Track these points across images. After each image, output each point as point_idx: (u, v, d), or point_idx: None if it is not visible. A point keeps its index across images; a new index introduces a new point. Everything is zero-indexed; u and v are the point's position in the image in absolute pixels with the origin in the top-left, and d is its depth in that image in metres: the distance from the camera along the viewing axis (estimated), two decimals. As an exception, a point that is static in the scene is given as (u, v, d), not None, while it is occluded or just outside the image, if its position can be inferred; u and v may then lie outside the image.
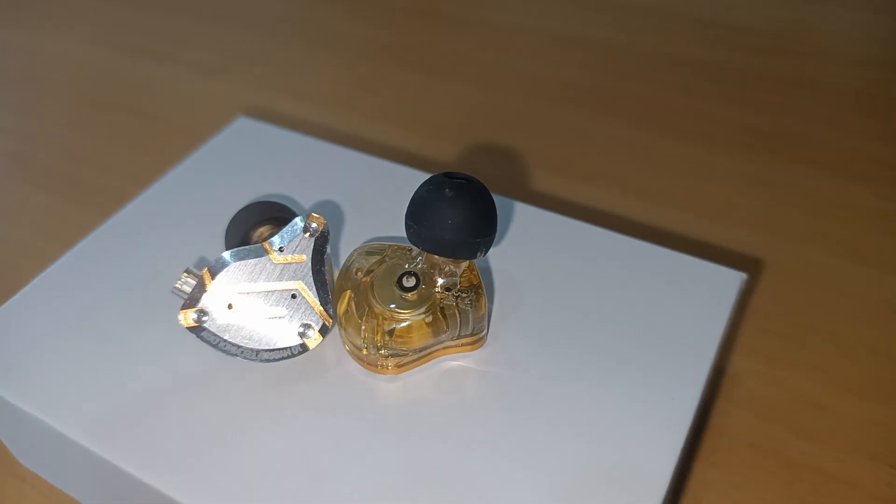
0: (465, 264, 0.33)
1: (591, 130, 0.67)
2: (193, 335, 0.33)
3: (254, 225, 0.37)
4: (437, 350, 0.35)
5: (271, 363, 0.35)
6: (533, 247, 0.40)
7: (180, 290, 0.33)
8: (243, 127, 0.50)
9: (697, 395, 0.33)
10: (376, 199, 0.43)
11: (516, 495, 0.30)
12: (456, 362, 0.35)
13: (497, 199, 0.44)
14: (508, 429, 0.32)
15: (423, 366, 0.35)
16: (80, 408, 0.34)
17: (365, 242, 0.40)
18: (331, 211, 0.43)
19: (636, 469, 0.30)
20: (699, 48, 0.77)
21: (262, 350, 0.33)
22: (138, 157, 0.67)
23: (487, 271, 0.39)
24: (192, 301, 0.32)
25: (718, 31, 0.79)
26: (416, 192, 0.33)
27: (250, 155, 0.48)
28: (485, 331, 0.35)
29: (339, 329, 0.35)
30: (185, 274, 0.33)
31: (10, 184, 0.65)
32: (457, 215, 0.31)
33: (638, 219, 0.57)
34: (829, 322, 0.49)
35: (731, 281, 0.38)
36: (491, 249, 0.40)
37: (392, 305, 0.33)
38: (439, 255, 0.32)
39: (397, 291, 0.33)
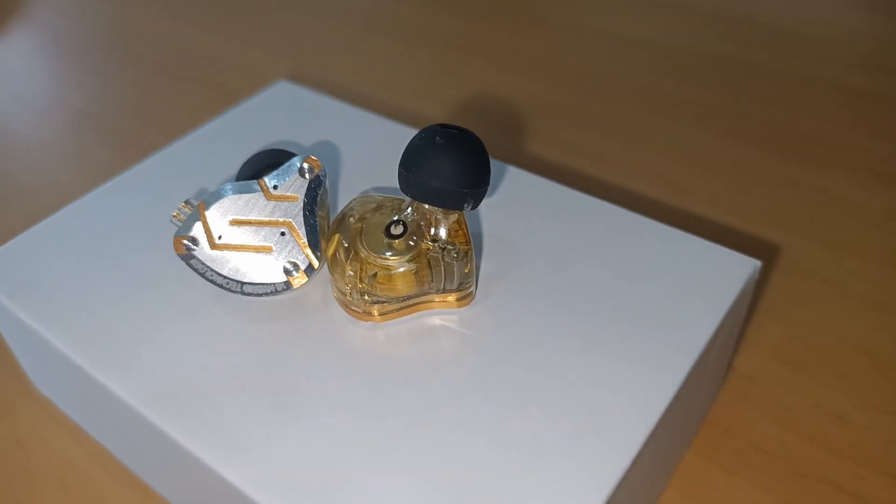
0: (454, 217, 0.33)
1: (641, 128, 0.65)
2: (185, 263, 0.34)
3: (262, 170, 0.37)
4: (422, 302, 0.34)
5: (260, 298, 0.35)
6: (538, 216, 0.40)
7: (177, 219, 0.34)
8: (283, 90, 0.51)
9: (683, 372, 0.32)
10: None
11: (475, 451, 0.29)
12: (440, 317, 0.35)
13: (511, 169, 0.43)
14: (479, 385, 0.31)
15: (406, 317, 0.35)
16: (82, 329, 0.35)
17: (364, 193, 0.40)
18: (352, 172, 0.43)
19: (605, 439, 0.29)
20: (763, 54, 0.74)
21: (247, 283, 0.33)
22: (197, 121, 0.69)
23: (481, 235, 0.38)
24: (184, 229, 0.33)
25: (786, 40, 0.76)
26: (410, 141, 0.33)
27: (284, 116, 0.49)
28: (472, 287, 0.35)
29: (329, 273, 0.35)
30: (183, 204, 0.34)
31: (75, 136, 0.69)
32: (445, 164, 0.31)
33: (667, 206, 0.56)
34: (865, 335, 0.46)
35: (742, 267, 0.36)
36: (496, 213, 0.40)
37: (378, 251, 0.33)
38: (426, 203, 0.32)
39: (385, 238, 0.33)
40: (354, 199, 0.36)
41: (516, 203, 0.41)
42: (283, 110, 0.49)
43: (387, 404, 0.31)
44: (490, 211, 0.40)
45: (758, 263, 0.37)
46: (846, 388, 0.43)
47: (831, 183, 0.58)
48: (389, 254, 0.33)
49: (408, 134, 0.46)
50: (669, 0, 0.84)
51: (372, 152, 0.45)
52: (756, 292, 0.49)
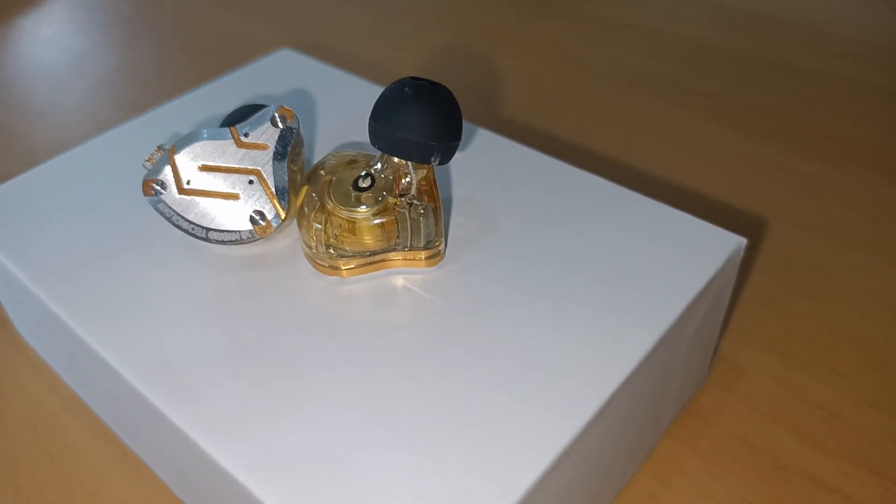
0: (422, 172, 0.32)
1: (656, 119, 0.64)
2: (153, 207, 0.33)
3: (238, 121, 0.37)
4: (389, 259, 0.34)
5: (228, 249, 0.35)
6: (518, 183, 0.39)
7: (149, 163, 0.34)
8: (284, 57, 0.51)
9: (647, 346, 0.30)
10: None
11: (424, 409, 0.28)
12: (406, 275, 0.34)
13: (496, 137, 0.42)
14: (438, 344, 0.31)
15: (373, 273, 0.34)
16: (55, 274, 0.35)
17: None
18: (346, 138, 0.43)
19: (556, 406, 0.28)
20: (786, 50, 0.72)
21: (212, 230, 0.33)
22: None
23: (455, 199, 0.38)
24: (154, 172, 0.33)
25: (812, 38, 0.74)
26: (381, 93, 0.32)
27: (283, 81, 0.48)
28: (440, 247, 0.34)
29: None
30: (156, 149, 0.34)
31: (92, 103, 0.70)
32: (412, 115, 0.30)
33: (664, 186, 0.54)
34: (864, 331, 0.44)
35: (725, 243, 0.35)
36: (476, 180, 0.39)
37: (345, 204, 0.32)
38: (394, 155, 0.32)
39: (352, 191, 0.33)
40: (329, 154, 0.35)
41: (498, 171, 0.40)
42: (282, 75, 0.49)
43: (345, 358, 0.30)
44: (469, 177, 0.39)
45: (743, 241, 0.35)
46: (839, 384, 0.42)
47: (841, 176, 0.56)
48: (357, 207, 0.32)
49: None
50: (697, -4, 0.82)
51: (366, 118, 0.44)
52: (751, 280, 0.48)
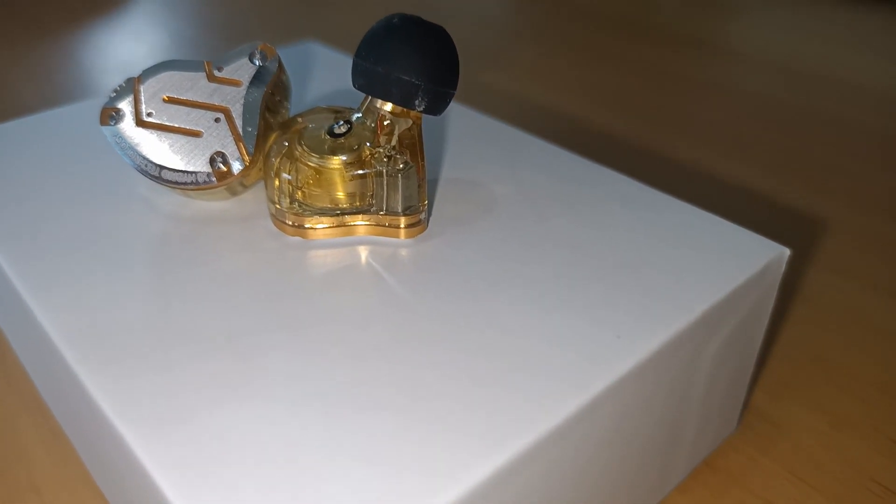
0: (406, 123, 0.28)
1: (717, 167, 0.58)
2: (107, 137, 0.30)
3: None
4: (360, 222, 0.29)
5: (186, 196, 0.31)
6: (528, 172, 0.34)
7: (114, 94, 0.30)
8: (308, 49, 0.49)
9: (652, 345, 0.25)
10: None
11: (365, 399, 0.23)
12: (379, 245, 0.29)
13: (521, 135, 0.38)
14: (399, 325, 0.26)
15: (342, 238, 0.29)
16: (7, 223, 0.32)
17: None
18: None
19: (525, 404, 0.23)
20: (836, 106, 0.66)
21: (166, 168, 0.29)
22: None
23: (457, 181, 0.33)
24: (114, 100, 0.30)
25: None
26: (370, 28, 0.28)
27: (304, 70, 0.45)
28: (422, 214, 0.29)
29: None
30: (125, 81, 0.31)
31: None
32: (398, 48, 0.26)
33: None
34: (935, 398, 0.37)
35: (764, 251, 0.29)
36: (476, 165, 0.35)
37: (316, 151, 0.28)
38: (374, 94, 0.27)
39: (327, 138, 0.29)
40: (315, 107, 0.31)
41: (511, 161, 0.35)
42: (303, 66, 0.46)
43: (292, 337, 0.25)
44: (474, 162, 0.35)
45: (786, 251, 0.30)
46: (899, 456, 0.34)
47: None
48: (329, 155, 0.28)
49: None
50: (776, 62, 0.78)
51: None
52: (792, 328, 0.41)
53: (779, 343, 0.41)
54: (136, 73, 0.36)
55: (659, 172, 0.57)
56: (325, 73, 0.45)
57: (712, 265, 0.28)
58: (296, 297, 0.26)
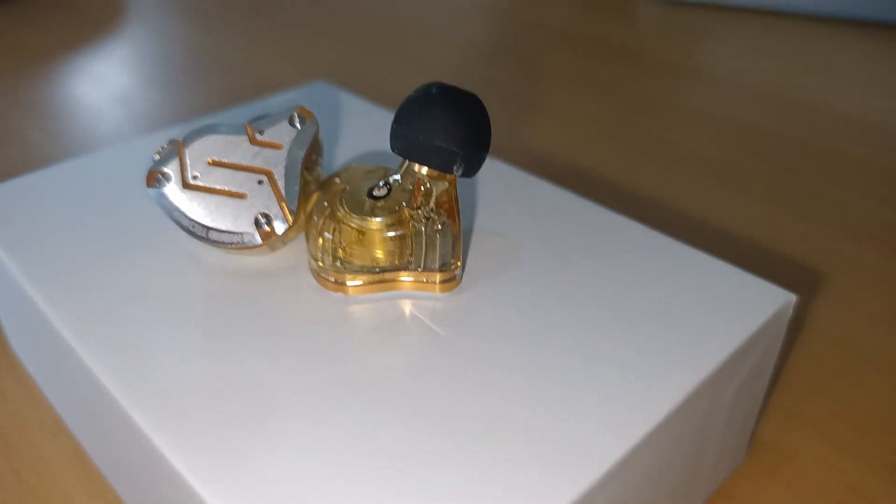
0: (443, 185, 0.30)
1: (702, 194, 0.61)
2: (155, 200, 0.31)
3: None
4: (400, 280, 0.31)
5: (230, 253, 0.32)
6: (551, 221, 0.36)
7: (158, 156, 0.32)
8: (319, 89, 0.50)
9: (683, 392, 0.27)
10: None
11: (420, 444, 0.25)
12: (417, 298, 0.31)
13: (528, 177, 0.40)
14: (442, 376, 0.27)
15: (381, 293, 0.31)
16: (52, 276, 0.33)
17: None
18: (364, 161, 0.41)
19: (570, 458, 0.24)
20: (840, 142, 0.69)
21: (213, 229, 0.31)
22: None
23: (483, 230, 0.35)
24: (160, 163, 0.31)
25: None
26: (408, 96, 0.30)
27: (315, 111, 0.47)
28: (457, 270, 0.31)
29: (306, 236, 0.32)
30: (167, 142, 0.32)
31: (127, 134, 0.70)
32: (437, 117, 0.28)
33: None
34: (927, 424, 0.40)
35: (774, 298, 0.31)
36: (499, 214, 0.36)
37: (357, 212, 0.30)
38: (413, 160, 0.29)
39: (366, 200, 0.30)
40: (348, 166, 0.33)
41: (531, 209, 0.37)
42: (315, 106, 0.48)
43: (338, 388, 0.27)
44: (496, 211, 0.37)
45: (792, 297, 0.32)
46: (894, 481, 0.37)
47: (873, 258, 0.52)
48: (370, 217, 0.30)
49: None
50: (748, 85, 0.81)
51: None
52: (797, 361, 0.43)
53: (782, 374, 0.43)
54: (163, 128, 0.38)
55: (646, 205, 0.59)
56: (339, 115, 0.46)
57: (728, 313, 0.30)
58: (346, 353, 0.28)
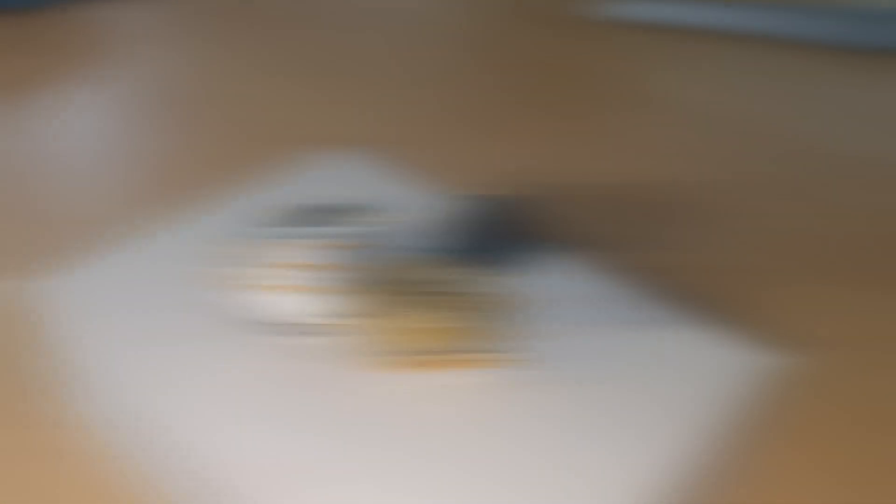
0: (488, 282, 0.35)
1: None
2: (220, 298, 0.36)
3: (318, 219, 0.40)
4: (453, 360, 0.36)
5: (291, 339, 0.37)
6: (564, 294, 0.41)
7: (222, 254, 0.36)
8: (340, 158, 0.54)
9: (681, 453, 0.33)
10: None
11: None
12: (471, 376, 0.36)
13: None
14: (481, 451, 0.33)
15: (434, 373, 0.36)
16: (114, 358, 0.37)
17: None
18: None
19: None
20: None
21: (279, 324, 0.35)
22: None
23: (539, 316, 0.40)
24: (230, 265, 0.35)
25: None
26: (455, 206, 0.35)
27: (352, 184, 0.51)
28: (513, 352, 0.36)
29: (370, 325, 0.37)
30: (238, 244, 0.36)
31: (120, 178, 0.72)
32: (477, 226, 0.34)
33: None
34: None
35: (757, 361, 0.38)
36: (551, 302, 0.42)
37: (414, 305, 0.35)
38: (461, 263, 0.35)
39: (423, 294, 0.35)
40: (406, 262, 0.38)
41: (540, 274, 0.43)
42: (350, 179, 0.52)
43: (433, 458, 0.32)
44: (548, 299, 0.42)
45: (773, 362, 0.38)
46: None
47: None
48: (426, 311, 0.35)
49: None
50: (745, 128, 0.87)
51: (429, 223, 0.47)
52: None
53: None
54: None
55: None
56: (369, 189, 0.51)
57: (716, 380, 0.37)
58: (420, 430, 0.33)
